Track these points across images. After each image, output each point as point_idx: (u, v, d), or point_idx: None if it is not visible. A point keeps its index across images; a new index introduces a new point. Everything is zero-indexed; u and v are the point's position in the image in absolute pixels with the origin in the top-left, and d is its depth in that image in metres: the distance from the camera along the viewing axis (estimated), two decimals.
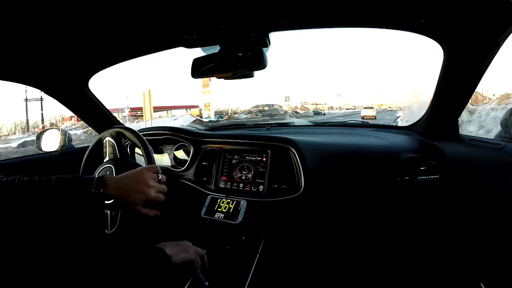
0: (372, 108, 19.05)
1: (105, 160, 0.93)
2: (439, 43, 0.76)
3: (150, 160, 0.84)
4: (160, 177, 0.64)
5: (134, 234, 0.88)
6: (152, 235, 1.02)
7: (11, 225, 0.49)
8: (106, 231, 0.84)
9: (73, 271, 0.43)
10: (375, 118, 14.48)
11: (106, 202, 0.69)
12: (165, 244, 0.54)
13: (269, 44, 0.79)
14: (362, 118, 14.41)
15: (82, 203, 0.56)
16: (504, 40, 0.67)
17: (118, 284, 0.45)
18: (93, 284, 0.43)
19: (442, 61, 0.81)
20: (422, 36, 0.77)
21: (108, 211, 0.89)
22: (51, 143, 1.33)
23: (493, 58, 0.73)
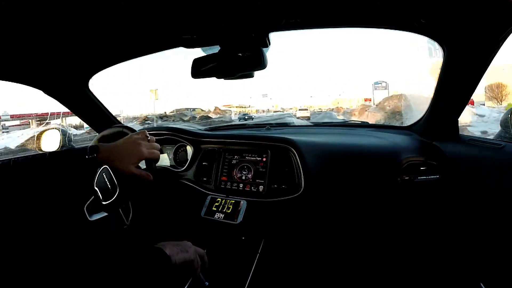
0: (307, 109, 20.60)
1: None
2: (439, 43, 0.76)
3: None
4: (149, 138, 0.64)
5: (138, 230, 0.87)
6: (153, 235, 1.02)
7: (11, 208, 0.49)
8: (124, 226, 0.83)
9: (72, 269, 0.43)
10: (309, 119, 15.63)
11: (104, 202, 0.69)
12: (164, 244, 0.54)
13: (269, 44, 0.79)
14: (298, 119, 15.65)
15: (78, 170, 0.56)
16: (504, 40, 0.67)
17: (117, 283, 0.45)
18: (93, 283, 0.43)
19: (442, 61, 0.81)
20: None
21: (120, 209, 0.88)
22: (51, 143, 1.33)
23: (493, 58, 0.73)
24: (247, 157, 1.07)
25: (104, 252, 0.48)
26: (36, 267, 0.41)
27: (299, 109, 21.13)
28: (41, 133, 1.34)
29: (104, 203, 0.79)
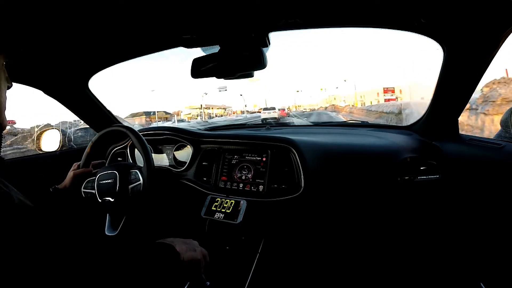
0: (274, 109, 16.37)
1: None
2: (439, 43, 0.76)
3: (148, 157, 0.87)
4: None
5: (139, 234, 0.88)
6: (154, 234, 1.03)
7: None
8: (106, 233, 0.85)
9: (87, 262, 0.43)
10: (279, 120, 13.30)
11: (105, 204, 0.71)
12: (174, 240, 0.54)
13: (269, 44, 0.79)
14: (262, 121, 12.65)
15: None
16: (504, 40, 0.67)
17: (125, 276, 0.45)
18: (105, 275, 0.43)
19: (441, 61, 0.81)
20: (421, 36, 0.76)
21: (108, 214, 0.90)
22: (51, 143, 1.33)
23: (493, 57, 0.73)
24: (247, 157, 1.07)
25: (113, 246, 0.48)
26: (44, 262, 0.41)
27: (264, 109, 16.71)
28: (41, 133, 1.34)
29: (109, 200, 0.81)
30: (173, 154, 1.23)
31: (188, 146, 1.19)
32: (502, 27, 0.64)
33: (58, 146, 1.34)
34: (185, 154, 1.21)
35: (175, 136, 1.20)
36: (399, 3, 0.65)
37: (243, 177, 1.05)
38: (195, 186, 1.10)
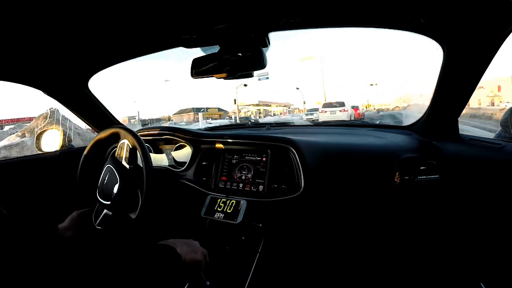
0: (342, 105, 10.80)
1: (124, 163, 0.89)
2: (439, 43, 0.76)
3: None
4: None
5: (135, 232, 0.87)
6: (154, 234, 1.03)
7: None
8: (95, 225, 0.81)
9: (88, 264, 0.43)
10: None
11: (105, 202, 0.70)
12: (175, 241, 0.55)
13: (269, 44, 0.80)
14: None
15: None
16: (504, 40, 0.67)
17: (127, 277, 0.45)
18: (107, 276, 0.43)
19: (441, 61, 0.81)
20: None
21: (105, 210, 0.88)
22: (51, 143, 1.33)
23: (493, 57, 0.73)
24: (247, 157, 1.07)
25: (114, 247, 0.48)
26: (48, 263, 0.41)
27: (324, 105, 11.26)
28: (41, 133, 1.34)
29: (105, 202, 0.79)
30: (173, 154, 1.23)
31: (188, 146, 1.19)
32: (502, 27, 0.64)
33: (58, 146, 1.34)
34: (184, 154, 1.21)
35: (175, 136, 1.20)
36: (399, 3, 0.65)
37: (243, 177, 1.05)
38: (195, 186, 1.10)
